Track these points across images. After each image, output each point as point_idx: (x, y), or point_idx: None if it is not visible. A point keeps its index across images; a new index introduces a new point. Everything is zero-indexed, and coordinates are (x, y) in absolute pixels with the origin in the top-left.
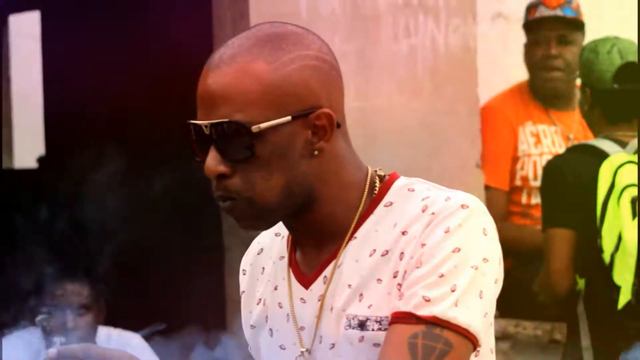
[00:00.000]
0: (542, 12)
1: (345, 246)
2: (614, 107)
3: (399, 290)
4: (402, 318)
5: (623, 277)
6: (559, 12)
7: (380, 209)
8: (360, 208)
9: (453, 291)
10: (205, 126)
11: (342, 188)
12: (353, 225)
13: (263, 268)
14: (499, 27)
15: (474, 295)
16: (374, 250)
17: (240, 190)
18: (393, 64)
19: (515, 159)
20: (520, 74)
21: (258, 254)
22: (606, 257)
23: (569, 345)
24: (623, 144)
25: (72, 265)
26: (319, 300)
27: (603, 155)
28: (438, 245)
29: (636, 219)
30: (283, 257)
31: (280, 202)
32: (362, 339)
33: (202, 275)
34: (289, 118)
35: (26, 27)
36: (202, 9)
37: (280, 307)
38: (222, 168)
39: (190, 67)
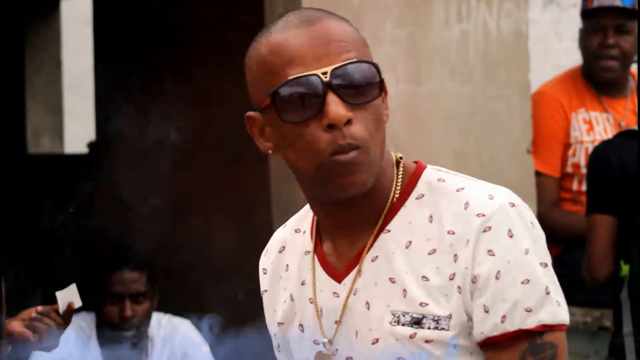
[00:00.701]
0: (601, 0)
1: (377, 238)
2: None
3: (471, 299)
4: (510, 339)
5: None
6: (617, 2)
7: (411, 201)
8: (391, 197)
9: (548, 293)
10: (324, 73)
11: (383, 171)
12: (384, 216)
13: (287, 265)
14: (551, 12)
15: (559, 290)
16: (410, 242)
17: (364, 138)
18: (444, 48)
19: (567, 146)
20: (571, 59)
21: (280, 252)
22: None
23: (615, 332)
24: None
25: (125, 253)
26: (354, 294)
27: None
28: (509, 252)
29: None
30: (308, 251)
31: (381, 159)
32: (414, 335)
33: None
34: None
35: (77, 12)
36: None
37: (311, 302)
38: (349, 113)
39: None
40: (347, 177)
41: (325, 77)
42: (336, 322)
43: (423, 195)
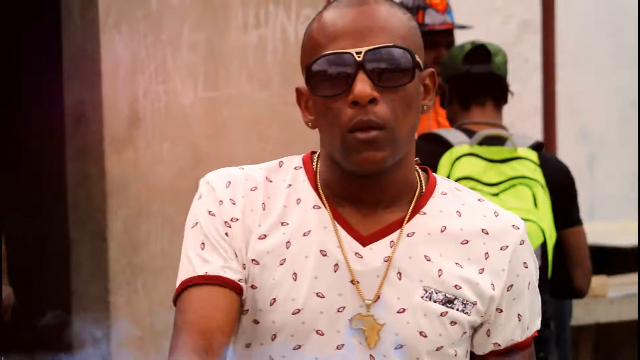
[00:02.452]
0: (433, 17)
1: (412, 218)
2: (465, 90)
3: (501, 306)
4: (521, 346)
5: None
6: (447, 19)
7: (437, 194)
8: (419, 185)
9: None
10: (358, 52)
11: (411, 157)
12: (415, 200)
13: (264, 204)
14: None
15: None
16: (444, 227)
17: (388, 119)
18: (243, 54)
19: None
20: None
21: (252, 190)
22: None
23: None
24: (471, 134)
25: None
26: (385, 261)
27: (447, 146)
28: (534, 267)
29: None
30: (319, 207)
31: (407, 142)
32: (445, 314)
33: (47, 267)
34: (422, 65)
35: None
36: None
37: (324, 255)
38: (374, 93)
39: (37, 56)
40: (365, 153)
41: (359, 57)
42: (357, 281)
43: (446, 193)
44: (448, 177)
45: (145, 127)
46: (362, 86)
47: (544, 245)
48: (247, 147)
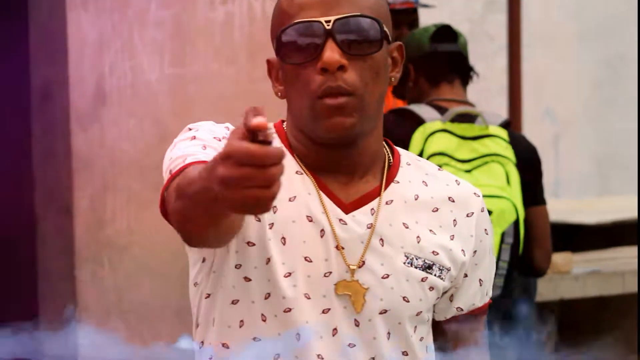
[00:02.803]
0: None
1: (388, 186)
2: (434, 68)
3: (465, 270)
4: (482, 310)
5: None
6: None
7: (403, 164)
8: (387, 156)
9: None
10: (327, 21)
11: (379, 126)
12: (386, 169)
13: None
14: None
15: None
16: (417, 195)
17: (357, 86)
18: (209, 30)
19: None
20: None
21: None
22: None
23: None
24: (442, 111)
25: None
26: (368, 228)
27: (419, 121)
28: (492, 233)
29: None
30: (301, 173)
31: (376, 110)
32: (425, 279)
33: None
34: (390, 37)
35: None
36: None
37: (310, 221)
38: (343, 60)
39: (2, 33)
40: (334, 118)
41: (328, 26)
42: (342, 247)
43: (409, 164)
44: (421, 152)
45: (111, 104)
46: (331, 53)
47: (516, 223)
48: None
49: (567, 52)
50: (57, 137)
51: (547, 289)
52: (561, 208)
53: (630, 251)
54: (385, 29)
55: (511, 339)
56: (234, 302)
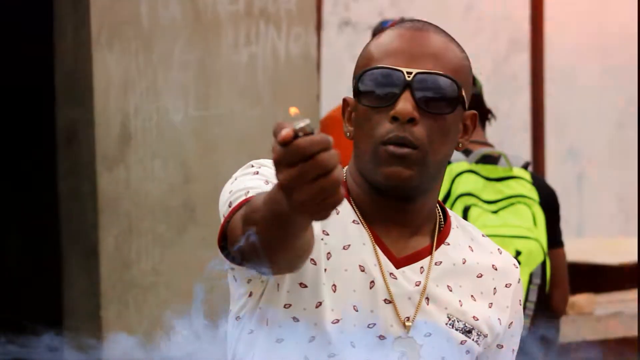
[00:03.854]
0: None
1: (439, 247)
2: None
3: (501, 339)
4: None
5: None
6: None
7: (454, 226)
8: (439, 217)
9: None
10: (409, 72)
11: (437, 188)
12: (438, 230)
13: None
14: (346, 34)
15: None
16: (464, 260)
17: (423, 141)
18: (233, 72)
19: None
20: None
21: None
22: None
23: None
24: (467, 153)
25: None
26: (416, 286)
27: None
28: (522, 313)
29: None
30: (357, 222)
31: (438, 170)
32: (464, 342)
33: (39, 284)
34: (466, 104)
35: None
36: (44, 16)
37: (362, 271)
38: (415, 113)
39: (30, 75)
40: (393, 167)
41: (409, 77)
42: (389, 301)
43: (457, 226)
44: (448, 192)
45: (136, 144)
46: (405, 104)
47: (543, 264)
48: (237, 165)
49: (591, 91)
50: (82, 177)
51: (570, 330)
52: (584, 248)
53: None
54: (464, 94)
55: None
56: (279, 341)
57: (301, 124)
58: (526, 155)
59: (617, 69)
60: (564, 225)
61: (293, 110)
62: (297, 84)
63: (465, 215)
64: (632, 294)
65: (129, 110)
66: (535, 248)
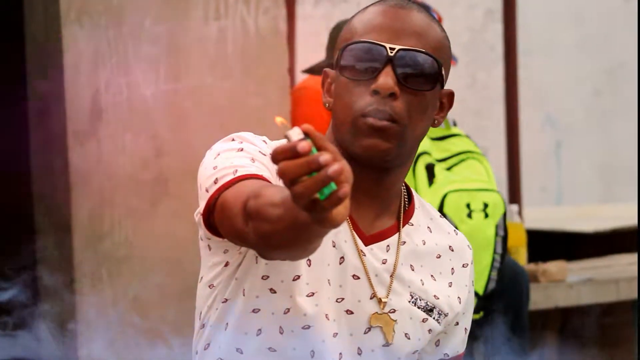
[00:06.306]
0: None
1: (403, 227)
2: None
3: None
4: (459, 357)
5: None
6: None
7: (417, 206)
8: (404, 193)
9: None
10: (392, 48)
11: (408, 165)
12: (403, 210)
13: None
14: (323, 8)
15: None
16: (424, 241)
17: (403, 116)
18: (203, 45)
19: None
20: None
21: None
22: None
23: None
24: None
25: None
26: (383, 263)
27: None
28: (473, 292)
29: (433, 185)
30: None
31: (413, 145)
32: (425, 320)
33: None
34: (444, 82)
35: None
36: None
37: (333, 246)
38: (396, 88)
39: None
40: (372, 139)
41: (391, 52)
42: (357, 277)
43: (419, 206)
44: None
45: (107, 119)
46: (386, 79)
47: (504, 215)
48: (208, 137)
49: (568, 60)
50: (54, 152)
51: (542, 297)
52: (562, 216)
53: (625, 258)
54: (443, 72)
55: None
56: (255, 311)
57: (295, 135)
58: (502, 124)
59: (594, 37)
60: (543, 193)
61: (279, 120)
62: (267, 57)
63: (431, 173)
64: (604, 261)
65: (99, 85)
66: (498, 200)
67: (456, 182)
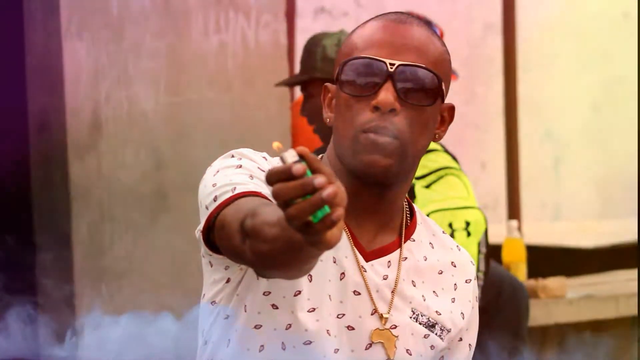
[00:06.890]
0: None
1: (405, 242)
2: None
3: (463, 331)
4: None
5: None
6: None
7: (419, 222)
8: (406, 209)
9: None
10: (392, 64)
11: (410, 181)
12: (405, 226)
13: None
14: (322, 21)
15: None
16: (425, 257)
17: (403, 132)
18: (204, 59)
19: None
20: None
21: None
22: None
23: None
24: None
25: None
26: (384, 279)
27: None
28: (477, 308)
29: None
30: None
31: (414, 161)
32: (427, 336)
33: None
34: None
35: None
36: (14, 5)
37: (334, 262)
38: (396, 104)
39: (0, 64)
40: (373, 155)
41: (391, 68)
42: (358, 292)
43: (421, 222)
44: None
45: (107, 132)
46: (387, 95)
47: (485, 232)
48: (208, 151)
49: (567, 74)
50: (54, 165)
51: (541, 313)
52: (561, 231)
53: (625, 274)
54: (444, 87)
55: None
56: (257, 327)
57: (290, 157)
58: (501, 139)
59: (593, 51)
60: (541, 209)
61: (276, 145)
62: (267, 71)
63: (411, 193)
64: (603, 277)
65: (100, 98)
66: (480, 217)
67: (437, 202)
